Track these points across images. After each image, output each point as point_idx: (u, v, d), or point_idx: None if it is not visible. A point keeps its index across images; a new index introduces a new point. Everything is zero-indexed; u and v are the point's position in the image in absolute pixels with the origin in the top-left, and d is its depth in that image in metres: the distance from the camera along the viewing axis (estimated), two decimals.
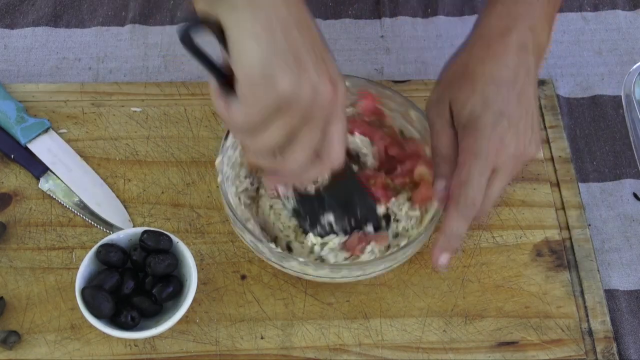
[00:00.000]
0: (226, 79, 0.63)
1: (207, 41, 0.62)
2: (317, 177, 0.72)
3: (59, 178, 0.88)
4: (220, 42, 0.62)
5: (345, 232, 0.80)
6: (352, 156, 0.83)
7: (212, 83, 0.64)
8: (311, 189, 0.76)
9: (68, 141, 0.91)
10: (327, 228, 0.79)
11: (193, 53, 0.62)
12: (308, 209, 0.78)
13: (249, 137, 0.64)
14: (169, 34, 1.02)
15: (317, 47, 0.63)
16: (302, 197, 0.77)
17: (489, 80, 0.75)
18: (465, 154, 0.74)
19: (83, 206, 0.86)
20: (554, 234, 0.86)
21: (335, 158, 0.67)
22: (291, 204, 0.79)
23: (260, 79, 0.61)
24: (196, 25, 0.60)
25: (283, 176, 0.70)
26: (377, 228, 0.81)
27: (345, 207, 0.79)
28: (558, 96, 0.97)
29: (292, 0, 0.62)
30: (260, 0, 0.60)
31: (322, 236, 0.79)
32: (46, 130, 0.90)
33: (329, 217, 0.79)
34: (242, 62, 0.61)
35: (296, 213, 0.79)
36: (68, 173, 0.88)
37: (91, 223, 0.86)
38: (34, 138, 0.90)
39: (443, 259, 0.75)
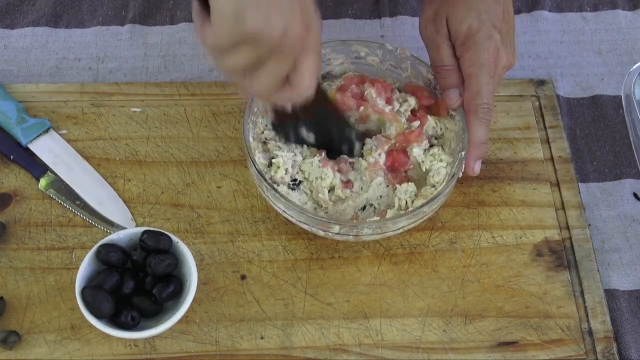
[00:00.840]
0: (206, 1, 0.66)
1: None
2: (288, 100, 0.75)
3: (59, 178, 0.88)
4: None
5: (319, 148, 0.84)
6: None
7: (194, 3, 0.68)
8: (287, 107, 0.78)
9: (68, 141, 0.91)
10: (302, 142, 0.83)
11: None
12: (284, 124, 0.83)
13: (218, 56, 0.68)
14: (169, 34, 1.02)
15: None
16: (277, 113, 0.80)
17: None
18: (471, 66, 0.81)
19: (84, 206, 0.86)
20: (554, 234, 0.86)
21: (304, 88, 0.71)
22: (269, 118, 0.83)
23: (230, 15, 0.64)
24: None
25: (252, 94, 0.75)
26: (351, 151, 0.84)
27: (320, 127, 0.83)
28: (558, 96, 0.97)
29: None
30: None
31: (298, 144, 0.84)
32: (47, 131, 0.90)
33: (304, 134, 0.83)
34: None
35: (274, 127, 0.84)
36: (69, 173, 0.88)
37: (91, 223, 0.86)
38: (34, 138, 0.90)
39: (477, 166, 0.83)
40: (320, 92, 0.80)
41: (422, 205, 0.78)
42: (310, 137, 0.84)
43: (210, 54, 0.70)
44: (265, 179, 0.79)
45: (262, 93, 0.72)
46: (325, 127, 0.84)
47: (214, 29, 0.65)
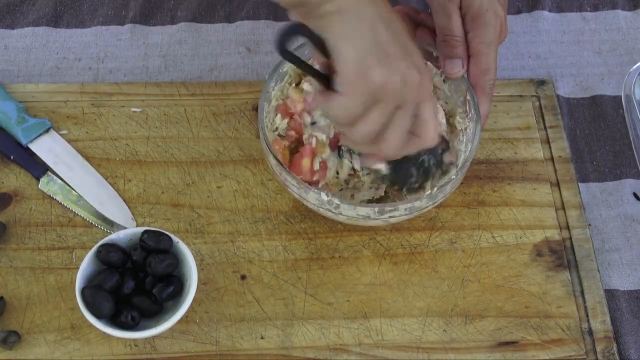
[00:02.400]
0: (325, 80, 0.72)
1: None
2: (416, 150, 0.78)
3: (60, 178, 0.88)
4: (315, 46, 0.71)
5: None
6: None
7: (314, 84, 0.75)
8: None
9: (68, 142, 0.91)
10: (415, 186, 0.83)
11: (292, 61, 0.71)
12: (400, 172, 0.81)
13: (349, 128, 0.73)
14: (169, 34, 1.02)
15: (401, 40, 0.71)
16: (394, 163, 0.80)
17: None
18: (481, 43, 0.84)
19: (84, 206, 0.86)
20: (554, 234, 0.86)
21: (430, 137, 0.75)
22: (384, 170, 0.81)
23: (357, 75, 0.69)
24: (294, 34, 0.69)
25: (380, 157, 0.78)
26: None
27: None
28: (558, 96, 0.97)
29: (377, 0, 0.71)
30: (347, 4, 0.69)
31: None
32: (47, 131, 0.91)
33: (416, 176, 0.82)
34: (341, 61, 0.69)
35: (388, 178, 0.81)
36: (70, 172, 0.88)
37: (91, 223, 0.86)
38: (35, 138, 0.90)
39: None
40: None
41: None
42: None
43: (341, 128, 0.76)
44: (285, 169, 0.79)
45: (393, 152, 0.75)
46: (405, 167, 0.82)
47: (345, 94, 0.70)
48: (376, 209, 0.79)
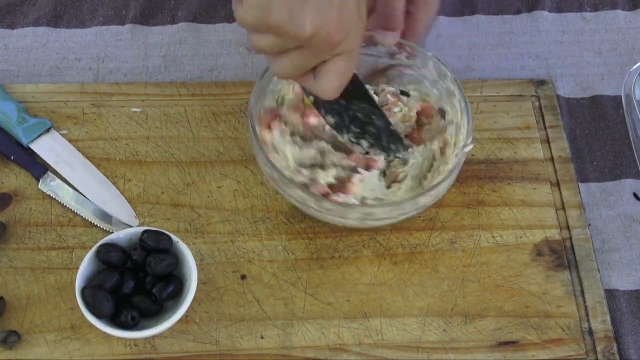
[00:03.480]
0: None
1: None
2: (311, 90, 0.74)
3: (61, 178, 0.88)
4: None
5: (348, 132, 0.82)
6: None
7: None
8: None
9: (68, 142, 0.91)
10: (338, 123, 0.81)
11: None
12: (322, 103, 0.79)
13: (248, 32, 0.69)
14: (170, 34, 1.02)
15: None
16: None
17: None
18: (422, 27, 0.84)
19: (85, 205, 0.86)
20: (554, 234, 0.86)
21: (325, 89, 0.71)
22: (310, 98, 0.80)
23: (258, 3, 0.65)
24: None
25: (274, 73, 0.74)
26: (387, 149, 0.83)
27: (354, 118, 0.81)
28: (558, 96, 0.97)
29: None
30: None
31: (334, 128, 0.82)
32: (48, 130, 0.91)
33: (340, 119, 0.81)
34: None
35: (314, 103, 0.80)
36: (71, 172, 0.88)
37: (91, 223, 0.86)
38: (35, 138, 0.90)
39: None
40: (355, 84, 0.76)
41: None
42: (345, 121, 0.81)
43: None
44: (328, 199, 0.79)
45: (284, 76, 0.73)
46: (359, 118, 0.81)
47: (244, 9, 0.66)
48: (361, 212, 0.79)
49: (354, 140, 0.82)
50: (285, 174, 0.79)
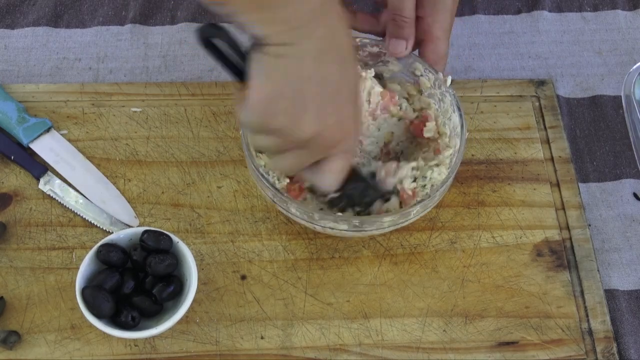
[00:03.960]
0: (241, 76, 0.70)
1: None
2: (313, 182, 0.78)
3: (62, 177, 0.88)
4: (233, 49, 0.69)
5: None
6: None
7: (232, 78, 0.72)
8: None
9: (68, 141, 0.91)
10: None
11: (212, 53, 0.70)
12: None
13: (250, 132, 0.74)
14: (170, 34, 1.02)
15: (336, 94, 0.70)
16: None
17: None
18: (440, 30, 0.84)
19: (84, 205, 0.86)
20: (554, 234, 0.86)
21: (325, 187, 0.77)
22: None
23: (261, 111, 0.68)
24: (216, 34, 0.68)
25: (276, 168, 0.79)
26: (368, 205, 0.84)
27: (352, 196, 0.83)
28: (558, 96, 0.97)
29: (335, 34, 0.69)
30: (305, 32, 0.66)
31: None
32: (48, 130, 0.91)
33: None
34: (252, 92, 0.68)
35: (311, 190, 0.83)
36: (71, 172, 0.89)
37: (91, 223, 0.86)
38: (36, 138, 0.90)
39: None
40: (353, 173, 0.80)
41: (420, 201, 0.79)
42: (342, 204, 0.83)
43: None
44: (266, 179, 0.79)
45: (285, 172, 0.79)
46: (350, 194, 0.83)
47: (247, 114, 0.69)
48: (356, 222, 0.79)
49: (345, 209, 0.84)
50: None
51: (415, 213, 0.79)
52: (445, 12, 0.84)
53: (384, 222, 0.79)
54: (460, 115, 0.82)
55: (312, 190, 0.83)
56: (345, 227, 0.79)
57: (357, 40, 0.86)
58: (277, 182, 0.82)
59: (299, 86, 0.68)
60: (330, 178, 0.76)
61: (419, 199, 0.81)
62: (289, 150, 0.72)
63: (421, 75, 0.86)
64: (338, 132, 0.71)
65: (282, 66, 0.67)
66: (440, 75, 0.84)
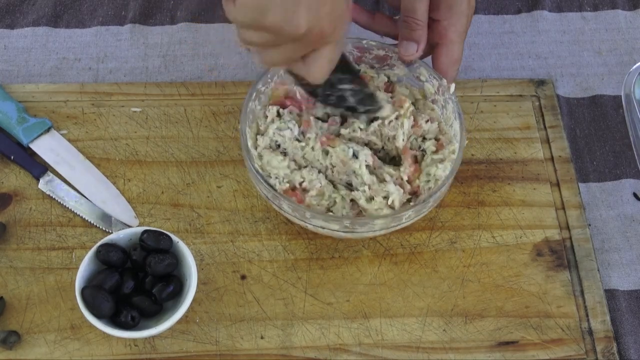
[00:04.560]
0: None
1: None
2: (300, 74, 0.76)
3: (61, 177, 0.88)
4: None
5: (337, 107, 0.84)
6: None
7: None
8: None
9: (68, 141, 0.91)
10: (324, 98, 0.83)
11: None
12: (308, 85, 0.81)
13: (238, 27, 0.70)
14: (169, 34, 1.02)
15: None
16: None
17: None
18: (454, 33, 0.84)
19: (84, 205, 0.86)
20: (554, 234, 0.86)
21: (314, 75, 0.74)
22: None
23: (253, 6, 0.66)
24: None
25: (264, 64, 0.75)
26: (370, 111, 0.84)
27: (342, 94, 0.83)
28: (558, 96, 0.97)
29: None
30: None
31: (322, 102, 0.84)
32: (48, 130, 0.91)
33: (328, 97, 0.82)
34: None
35: (300, 83, 0.82)
36: (71, 172, 0.89)
37: (91, 223, 0.86)
38: (36, 138, 0.90)
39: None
40: (343, 63, 0.79)
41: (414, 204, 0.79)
42: (333, 100, 0.83)
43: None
44: (285, 197, 0.79)
45: (274, 66, 0.76)
46: (347, 94, 0.83)
47: (237, 9, 0.67)
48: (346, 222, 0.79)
49: (335, 109, 0.84)
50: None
51: (407, 217, 0.79)
52: (461, 16, 0.84)
53: (375, 225, 0.78)
54: (461, 123, 0.82)
55: (301, 83, 0.81)
56: (336, 227, 0.79)
57: (364, 42, 0.86)
58: (278, 184, 0.81)
59: None
60: (321, 67, 0.74)
61: (423, 195, 0.81)
62: (280, 45, 0.70)
63: (426, 81, 0.86)
64: (331, 23, 0.69)
65: None
66: (444, 82, 0.84)
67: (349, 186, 0.83)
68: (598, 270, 0.84)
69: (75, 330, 0.80)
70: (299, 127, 0.84)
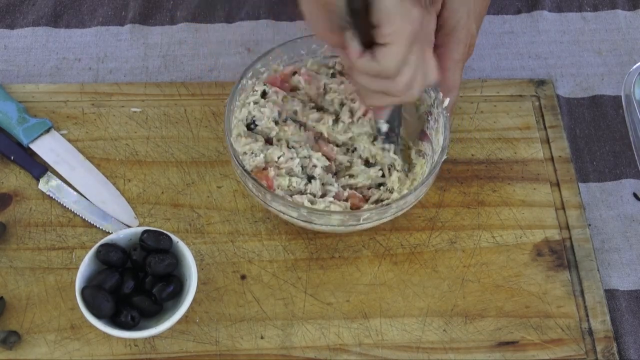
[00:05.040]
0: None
1: None
2: (418, 93, 0.78)
3: (61, 178, 0.88)
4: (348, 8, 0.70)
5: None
6: None
7: (355, 45, 0.72)
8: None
9: (68, 142, 0.91)
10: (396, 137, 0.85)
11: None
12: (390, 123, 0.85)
13: (393, 79, 0.73)
14: (169, 34, 1.02)
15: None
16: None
17: None
18: (448, 60, 0.83)
19: (84, 205, 0.86)
20: (554, 234, 0.86)
21: (434, 75, 0.77)
22: (380, 123, 0.84)
23: (401, 18, 0.69)
24: None
25: (393, 96, 0.77)
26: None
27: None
28: (558, 96, 0.97)
29: None
30: None
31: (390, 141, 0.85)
32: (48, 130, 0.91)
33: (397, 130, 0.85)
34: (382, 8, 0.69)
35: (379, 131, 0.85)
36: (71, 172, 0.89)
37: (91, 223, 0.86)
38: (36, 138, 0.90)
39: None
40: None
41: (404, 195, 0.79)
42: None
43: (378, 84, 0.75)
44: (251, 176, 0.79)
45: (414, 94, 0.77)
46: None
47: (393, 46, 0.70)
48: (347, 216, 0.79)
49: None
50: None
51: (365, 219, 0.79)
52: (459, 44, 0.82)
53: (332, 219, 0.78)
54: (445, 139, 0.81)
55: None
56: (295, 214, 0.79)
57: None
58: (247, 162, 0.82)
59: None
60: (434, 64, 0.78)
61: (404, 191, 0.81)
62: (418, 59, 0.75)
63: (424, 91, 0.85)
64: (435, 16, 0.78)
65: None
66: (440, 95, 0.83)
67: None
68: (598, 270, 0.85)
69: (75, 330, 0.80)
70: (279, 112, 0.84)
